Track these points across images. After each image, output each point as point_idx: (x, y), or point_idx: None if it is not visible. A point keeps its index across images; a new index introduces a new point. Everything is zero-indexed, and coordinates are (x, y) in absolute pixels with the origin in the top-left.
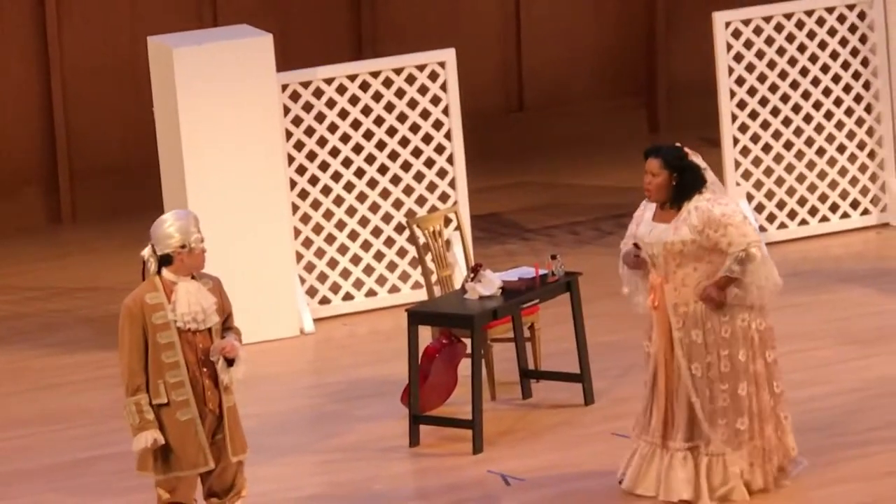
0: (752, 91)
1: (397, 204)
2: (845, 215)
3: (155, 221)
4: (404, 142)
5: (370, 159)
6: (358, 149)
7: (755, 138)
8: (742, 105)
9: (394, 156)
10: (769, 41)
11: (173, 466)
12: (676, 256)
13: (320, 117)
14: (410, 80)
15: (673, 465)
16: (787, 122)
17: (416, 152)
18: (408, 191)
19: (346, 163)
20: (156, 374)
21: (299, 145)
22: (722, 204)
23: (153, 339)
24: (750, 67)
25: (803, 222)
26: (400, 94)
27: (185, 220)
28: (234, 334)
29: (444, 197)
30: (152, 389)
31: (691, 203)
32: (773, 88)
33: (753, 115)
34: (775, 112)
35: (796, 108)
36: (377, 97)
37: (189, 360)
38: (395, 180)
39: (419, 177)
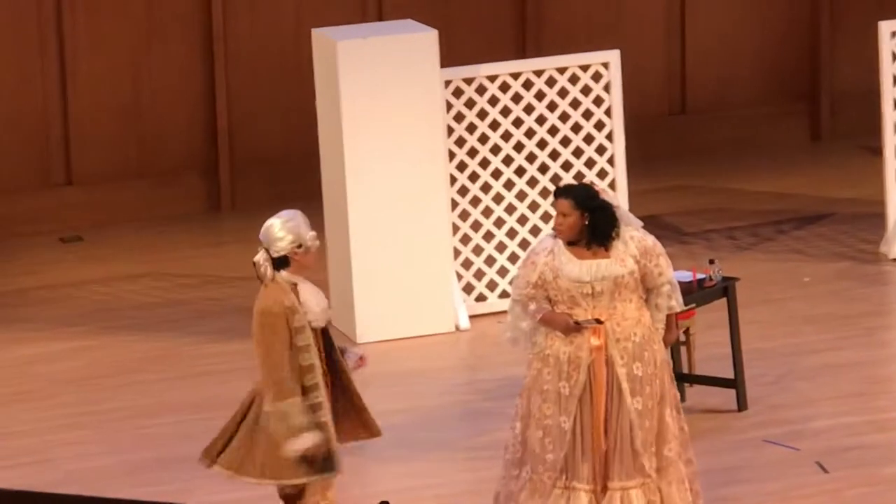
0: None
1: None
2: None
3: (264, 225)
4: (565, 141)
5: (531, 158)
6: (519, 147)
7: None
8: None
9: (554, 155)
10: None
11: (320, 468)
12: (623, 290)
13: (482, 114)
14: (574, 79)
15: None
16: None
17: (577, 152)
18: None
19: (507, 161)
20: (295, 379)
21: (461, 142)
22: (648, 235)
23: (293, 342)
24: None
25: None
26: (563, 93)
27: (295, 220)
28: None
29: None
30: None
31: (624, 235)
32: None
33: None
34: None
35: None
36: (540, 96)
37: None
38: (556, 179)
39: (579, 177)
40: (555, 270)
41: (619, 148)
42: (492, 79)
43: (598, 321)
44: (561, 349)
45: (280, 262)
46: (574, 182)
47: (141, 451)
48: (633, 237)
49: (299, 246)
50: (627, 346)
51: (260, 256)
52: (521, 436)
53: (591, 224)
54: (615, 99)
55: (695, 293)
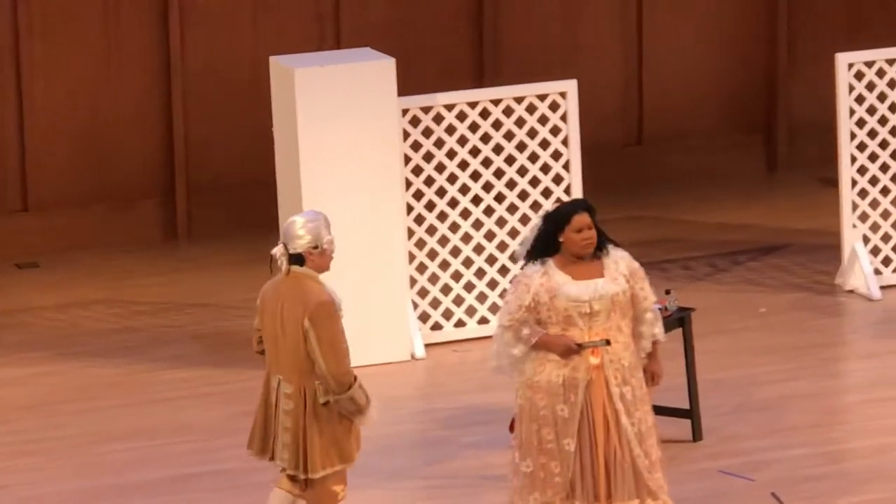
0: (872, 133)
1: (513, 233)
2: None
3: (287, 221)
4: (522, 171)
5: (487, 187)
6: (476, 176)
7: (874, 181)
8: (862, 147)
9: (511, 184)
10: (892, 84)
11: (353, 455)
12: (618, 309)
13: (439, 143)
14: (531, 109)
15: None
16: None
17: (534, 182)
18: (524, 220)
19: (464, 190)
20: None
21: (417, 170)
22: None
23: None
24: (871, 110)
25: None
26: (520, 122)
27: (317, 222)
28: None
29: None
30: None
31: (614, 254)
32: (895, 131)
33: (873, 157)
34: (895, 155)
35: None
36: (497, 125)
37: None
38: (512, 209)
39: (536, 206)
40: (551, 291)
41: (575, 178)
42: (449, 107)
43: (608, 342)
44: (553, 373)
45: (296, 259)
46: (555, 202)
47: (95, 478)
48: (623, 257)
49: (315, 247)
50: (619, 369)
51: (277, 250)
52: (522, 465)
53: (600, 236)
54: (572, 128)
55: None
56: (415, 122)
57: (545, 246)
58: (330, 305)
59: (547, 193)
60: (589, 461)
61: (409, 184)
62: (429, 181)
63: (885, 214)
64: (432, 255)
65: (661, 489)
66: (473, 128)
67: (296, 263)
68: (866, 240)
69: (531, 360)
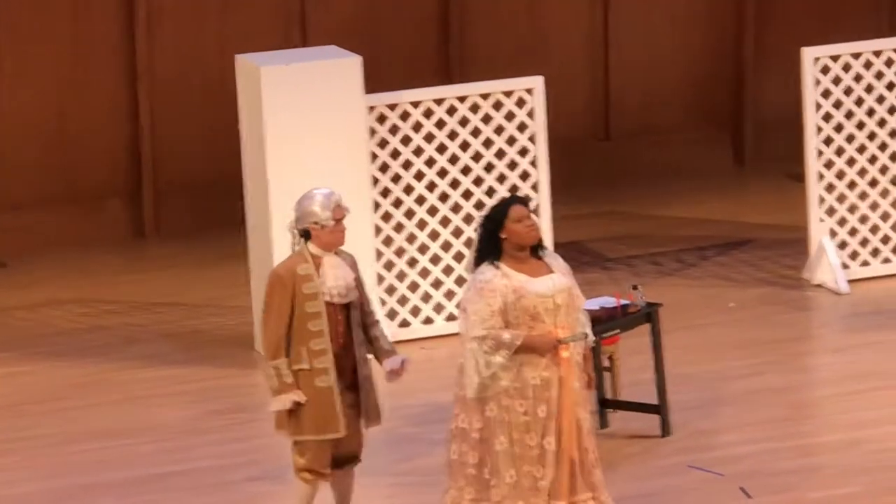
0: (838, 128)
1: None
2: None
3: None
4: (489, 167)
5: (455, 184)
6: (443, 173)
7: (840, 175)
8: (828, 141)
9: (478, 181)
10: (857, 78)
11: (306, 430)
12: (573, 303)
13: (406, 140)
14: (497, 105)
15: None
16: (873, 159)
17: (501, 178)
18: None
19: (431, 187)
20: (299, 341)
21: (384, 167)
22: None
23: (301, 307)
24: (837, 104)
25: (886, 260)
26: (486, 119)
27: (317, 199)
28: (386, 340)
29: None
30: (294, 355)
31: (547, 253)
32: (860, 125)
33: (839, 151)
34: (861, 149)
35: (882, 146)
36: (464, 122)
37: (331, 330)
38: (479, 206)
39: None
40: (517, 291)
41: (542, 174)
42: (415, 105)
43: (586, 335)
44: (530, 375)
45: (304, 235)
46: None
47: (66, 478)
48: (555, 255)
49: (315, 222)
50: (576, 364)
51: (289, 224)
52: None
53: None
54: (539, 125)
55: (618, 319)
56: (381, 119)
57: (489, 247)
58: (273, 276)
59: (514, 190)
60: (563, 456)
61: (375, 181)
62: (395, 178)
63: (853, 209)
64: (399, 252)
65: (603, 485)
66: (440, 125)
67: (305, 238)
68: (833, 234)
69: (506, 370)
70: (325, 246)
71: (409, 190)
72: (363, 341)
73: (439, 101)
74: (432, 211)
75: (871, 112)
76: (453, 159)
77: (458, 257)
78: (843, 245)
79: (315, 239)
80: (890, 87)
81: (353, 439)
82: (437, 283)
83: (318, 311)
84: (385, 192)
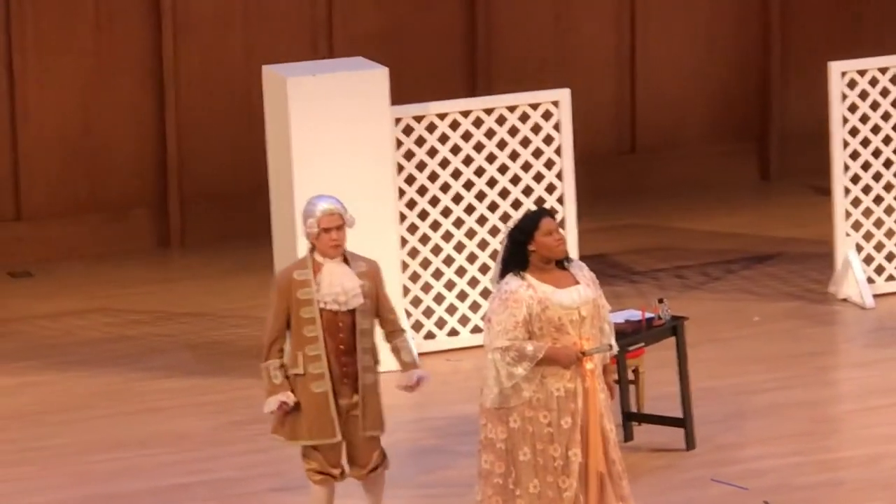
0: (865, 142)
1: None
2: None
3: None
4: (515, 180)
5: (480, 196)
6: (469, 185)
7: (867, 189)
8: (855, 156)
9: (504, 193)
10: (884, 92)
11: (301, 434)
12: (598, 314)
13: (432, 152)
14: (524, 118)
15: None
16: None
17: (527, 191)
18: None
19: (457, 199)
20: (296, 345)
21: (410, 179)
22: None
23: (296, 313)
24: (864, 118)
25: None
26: (513, 131)
27: (306, 207)
28: (408, 352)
29: None
30: (290, 359)
31: (576, 262)
32: (887, 140)
33: (866, 166)
34: (888, 164)
35: None
36: (490, 134)
37: (329, 336)
38: (505, 218)
39: None
40: (543, 302)
41: (568, 186)
42: (442, 116)
43: (610, 346)
44: (553, 386)
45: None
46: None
47: (86, 487)
48: (582, 265)
49: (309, 231)
50: (599, 375)
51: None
52: (529, 485)
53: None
54: (565, 137)
55: (644, 332)
56: (408, 131)
57: (517, 259)
58: (274, 279)
59: (540, 202)
60: (585, 469)
61: (401, 193)
62: (422, 190)
63: (878, 223)
64: (425, 264)
65: (631, 496)
66: (466, 137)
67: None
68: (859, 248)
69: (527, 382)
70: (321, 253)
71: (434, 202)
72: (369, 349)
73: (466, 113)
74: (458, 223)
75: None
76: (479, 171)
77: (484, 269)
78: (868, 260)
79: (315, 245)
80: None
81: (359, 446)
82: (462, 295)
83: (313, 317)
84: (411, 204)
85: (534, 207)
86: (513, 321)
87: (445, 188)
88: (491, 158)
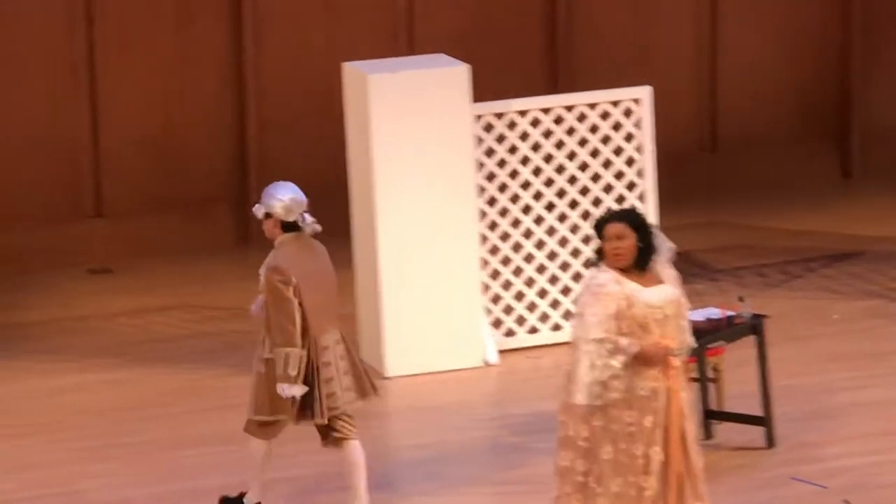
0: None
1: (586, 239)
2: None
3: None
4: (596, 177)
5: (561, 193)
6: (549, 182)
7: None
8: None
9: (585, 191)
10: None
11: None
12: (681, 313)
13: (513, 149)
14: (605, 115)
15: None
16: None
17: (608, 188)
18: None
19: (537, 196)
20: None
21: (491, 176)
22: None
23: None
24: None
25: None
26: (594, 129)
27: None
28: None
29: None
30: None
31: (657, 261)
32: None
33: None
34: None
35: None
36: (570, 131)
37: None
38: (585, 215)
39: None
40: (629, 299)
41: (650, 184)
42: (522, 114)
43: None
44: (639, 385)
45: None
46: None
47: (168, 483)
48: (664, 264)
49: None
50: (681, 373)
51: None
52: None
53: (644, 246)
54: (646, 135)
55: (724, 330)
56: (488, 128)
57: (598, 254)
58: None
59: (621, 200)
60: (666, 468)
61: (482, 190)
62: (502, 187)
63: None
64: (505, 261)
65: (708, 496)
66: (547, 134)
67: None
68: None
69: (615, 378)
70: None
71: (514, 199)
72: (263, 339)
73: (546, 111)
74: (538, 220)
75: None
76: (560, 169)
77: (564, 267)
78: None
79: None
80: None
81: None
82: (542, 293)
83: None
84: (491, 202)
85: (615, 206)
86: (605, 314)
87: (526, 185)
88: (572, 156)
